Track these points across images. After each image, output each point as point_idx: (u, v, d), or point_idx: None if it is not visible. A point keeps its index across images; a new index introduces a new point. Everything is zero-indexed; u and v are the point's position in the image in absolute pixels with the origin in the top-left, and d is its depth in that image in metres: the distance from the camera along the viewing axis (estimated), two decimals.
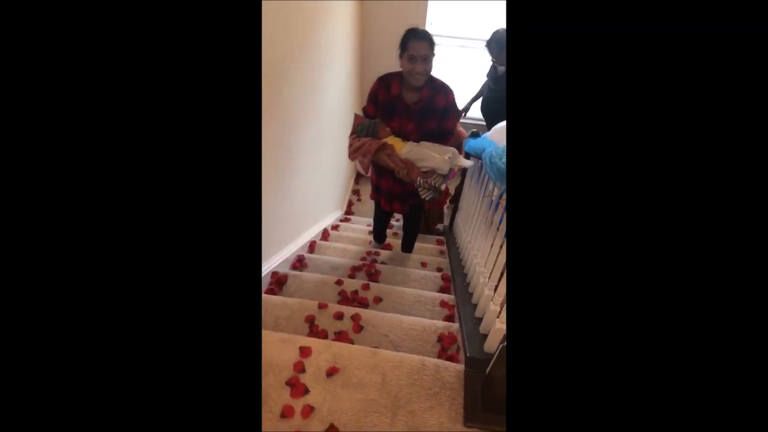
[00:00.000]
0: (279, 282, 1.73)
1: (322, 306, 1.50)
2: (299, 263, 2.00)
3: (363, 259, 2.18)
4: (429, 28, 2.95)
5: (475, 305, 1.42)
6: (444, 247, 2.48)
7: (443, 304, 1.67)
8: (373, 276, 1.96)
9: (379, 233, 2.34)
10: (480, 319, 1.33)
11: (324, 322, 1.46)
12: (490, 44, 2.12)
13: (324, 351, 1.20)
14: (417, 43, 1.39)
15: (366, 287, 1.75)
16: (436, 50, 1.46)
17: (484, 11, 3.44)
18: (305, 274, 1.81)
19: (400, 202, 1.83)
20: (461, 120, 2.09)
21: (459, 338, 1.37)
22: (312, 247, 2.27)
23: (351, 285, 1.76)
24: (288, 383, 1.13)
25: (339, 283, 1.76)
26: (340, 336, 1.40)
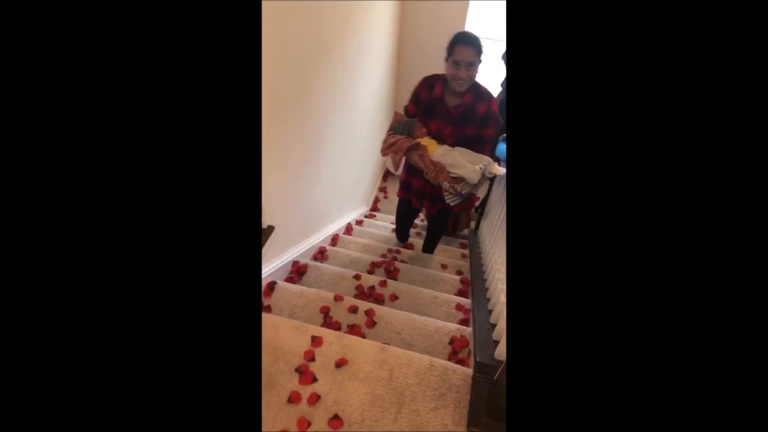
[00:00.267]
0: (299, 271, 1.76)
1: (338, 298, 1.52)
2: (320, 255, 2.03)
3: (383, 256, 2.19)
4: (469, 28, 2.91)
5: (491, 311, 1.41)
6: (467, 251, 2.46)
7: (459, 307, 1.66)
8: (392, 274, 1.96)
9: (402, 232, 2.33)
10: (494, 326, 1.31)
11: (338, 314, 1.48)
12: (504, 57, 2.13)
13: (335, 342, 1.22)
14: (463, 49, 1.38)
15: (383, 284, 1.76)
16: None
17: None
18: (325, 266, 1.84)
19: (431, 202, 1.82)
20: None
21: (471, 342, 1.36)
22: (335, 240, 2.30)
23: (369, 280, 1.77)
24: (297, 370, 1.15)
25: (357, 277, 1.78)
26: (353, 329, 1.41)
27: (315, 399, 1.10)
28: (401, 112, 1.68)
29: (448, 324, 1.46)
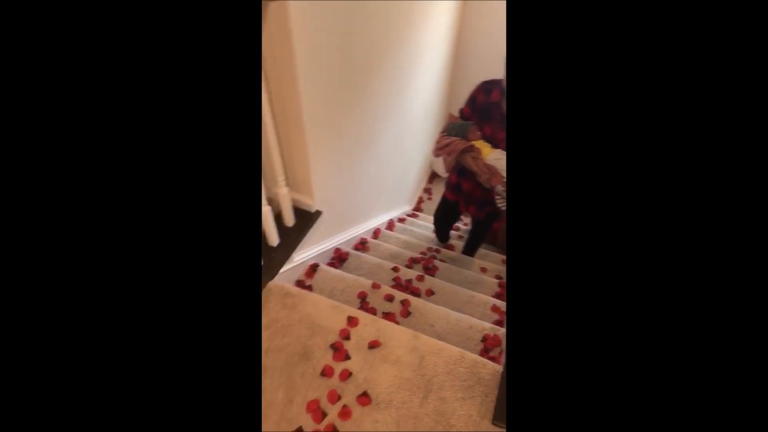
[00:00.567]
0: (340, 258, 1.83)
1: (375, 286, 1.57)
2: (361, 245, 2.09)
3: (423, 253, 2.22)
4: None
5: None
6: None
7: (495, 308, 1.66)
8: (430, 270, 1.99)
9: (443, 233, 2.33)
10: None
11: (375, 300, 1.53)
12: None
13: (370, 324, 1.27)
14: None
15: (421, 278, 1.79)
16: None
17: None
18: (365, 256, 1.90)
19: (478, 207, 1.81)
20: None
21: (504, 343, 1.36)
22: (376, 233, 2.35)
23: (407, 273, 1.81)
24: (332, 346, 1.21)
25: (395, 269, 1.82)
26: (388, 316, 1.45)
27: (346, 375, 1.15)
28: (456, 114, 1.70)
29: (483, 322, 1.47)
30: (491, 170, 1.52)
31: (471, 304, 1.69)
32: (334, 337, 1.23)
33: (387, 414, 1.08)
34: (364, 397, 1.10)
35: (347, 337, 1.23)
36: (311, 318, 1.27)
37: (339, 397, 1.11)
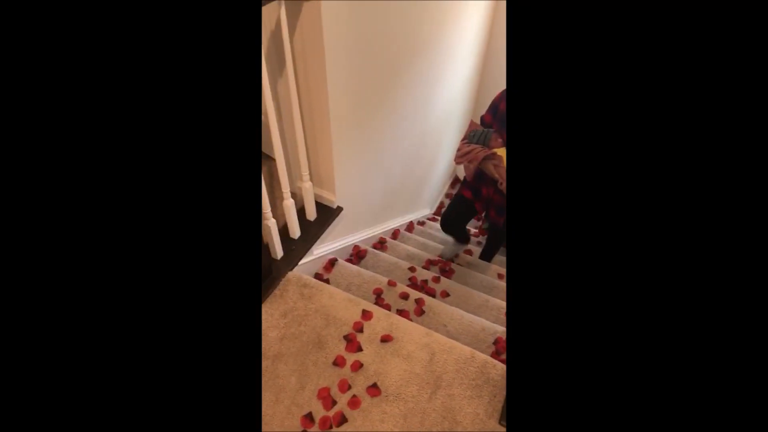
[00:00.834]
0: (359, 255, 1.87)
1: (391, 283, 1.60)
2: (380, 244, 2.12)
3: (440, 256, 2.23)
4: None
5: None
6: None
7: None
8: (447, 273, 2.00)
9: (456, 229, 2.09)
10: None
11: (390, 297, 1.55)
12: None
13: (383, 319, 1.29)
14: None
15: (437, 280, 1.80)
16: None
17: None
18: (383, 254, 1.92)
19: (498, 212, 1.79)
20: None
21: None
22: (395, 234, 2.38)
23: (423, 274, 1.83)
24: (345, 337, 1.24)
25: (412, 269, 1.84)
26: (402, 313, 1.48)
27: (358, 366, 1.18)
28: (477, 121, 1.71)
29: (496, 326, 1.48)
30: None
31: (485, 307, 1.69)
32: (347, 329, 1.26)
33: (395, 406, 1.10)
34: (374, 389, 1.13)
35: (360, 330, 1.26)
36: (327, 309, 1.31)
37: (349, 387, 1.14)
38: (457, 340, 1.42)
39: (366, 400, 1.12)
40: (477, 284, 1.96)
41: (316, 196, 1.53)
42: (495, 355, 1.37)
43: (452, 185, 4.24)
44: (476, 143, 1.58)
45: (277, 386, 1.14)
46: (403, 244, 2.23)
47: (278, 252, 1.40)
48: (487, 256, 2.30)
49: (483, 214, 1.88)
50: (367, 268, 1.81)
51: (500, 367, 1.18)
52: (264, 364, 1.18)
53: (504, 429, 1.06)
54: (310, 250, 1.52)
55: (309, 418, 1.09)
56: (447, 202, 3.96)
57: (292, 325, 1.27)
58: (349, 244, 1.86)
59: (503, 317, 1.65)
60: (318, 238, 1.53)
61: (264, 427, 1.08)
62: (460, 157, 1.61)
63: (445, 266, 2.03)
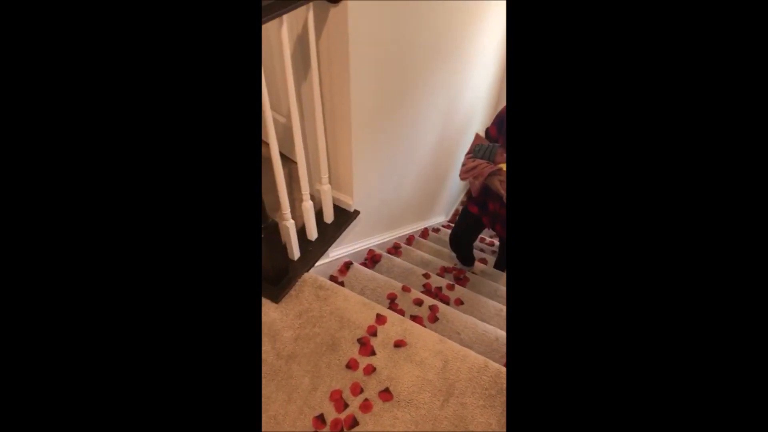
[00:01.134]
0: (373, 259, 1.87)
1: (405, 289, 1.59)
2: (394, 249, 2.12)
3: (456, 264, 2.22)
4: None
5: None
6: None
7: None
8: (461, 281, 1.99)
9: (464, 250, 2.10)
10: None
11: (404, 303, 1.55)
12: None
13: (397, 324, 1.29)
14: None
15: (451, 287, 1.79)
16: None
17: None
18: (397, 260, 1.93)
19: (504, 227, 1.78)
20: None
21: None
22: (410, 240, 2.38)
23: (437, 281, 1.82)
24: (359, 341, 1.24)
25: (426, 276, 1.84)
26: (415, 319, 1.47)
27: (370, 370, 1.18)
28: (482, 134, 1.66)
29: None
30: None
31: (499, 317, 1.68)
32: (361, 332, 1.26)
33: (407, 412, 1.10)
34: (386, 393, 1.13)
35: (374, 334, 1.26)
36: (341, 312, 1.31)
37: (362, 390, 1.14)
38: (470, 348, 1.41)
39: (378, 405, 1.11)
40: (492, 293, 1.95)
41: (334, 199, 1.54)
42: None
43: (467, 194, 4.22)
44: (481, 158, 1.54)
45: (290, 386, 1.15)
46: (417, 250, 2.23)
47: (295, 253, 1.41)
48: (501, 265, 2.28)
49: (491, 228, 1.84)
50: (381, 273, 1.81)
51: None
52: (278, 363, 1.19)
53: None
54: (326, 253, 1.53)
55: (321, 419, 1.09)
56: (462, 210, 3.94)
57: (307, 326, 1.27)
58: (364, 247, 1.87)
59: None
60: (335, 240, 1.54)
61: (276, 427, 1.08)
62: (465, 172, 1.56)
63: (459, 274, 2.02)
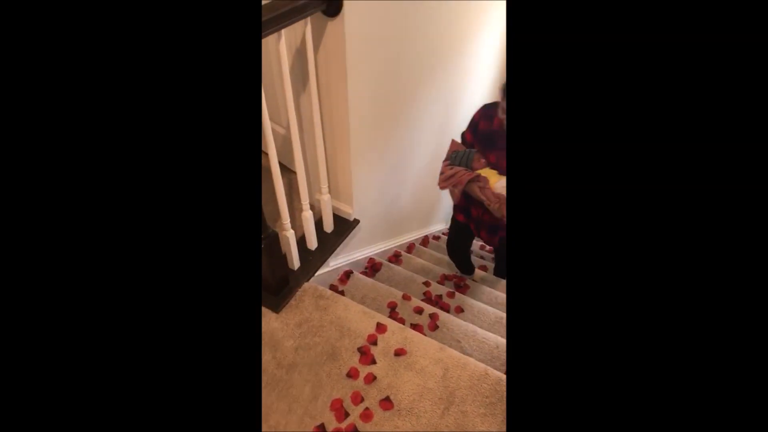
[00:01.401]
0: (374, 267, 1.88)
1: (405, 297, 1.60)
2: (395, 258, 2.12)
3: (456, 271, 2.23)
4: None
5: None
6: None
7: None
8: (462, 289, 1.99)
9: (460, 258, 2.10)
10: None
11: (404, 311, 1.56)
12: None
13: (397, 333, 1.30)
14: None
15: (451, 295, 1.80)
16: None
17: None
18: (398, 268, 1.93)
19: (489, 232, 1.71)
20: None
21: None
22: (411, 248, 2.38)
23: (437, 289, 1.83)
24: (359, 350, 1.24)
25: (427, 284, 1.84)
26: (416, 328, 1.47)
27: (371, 379, 1.18)
28: (458, 141, 1.63)
29: None
30: (501, 199, 1.45)
31: (500, 324, 1.68)
32: (361, 341, 1.27)
33: (407, 421, 1.10)
34: (387, 402, 1.13)
35: (374, 343, 1.27)
36: (341, 321, 1.32)
37: (362, 399, 1.14)
38: (470, 356, 1.41)
39: (378, 414, 1.11)
40: (491, 300, 1.95)
41: (333, 208, 1.55)
42: None
43: None
44: (458, 165, 1.52)
45: (291, 396, 1.15)
46: (417, 258, 2.23)
47: (295, 263, 1.42)
48: (500, 271, 2.28)
49: (477, 235, 1.78)
50: (381, 281, 1.82)
51: None
52: (278, 373, 1.19)
53: None
54: (326, 262, 1.54)
55: (321, 429, 1.09)
56: None
57: (307, 335, 1.28)
58: (364, 256, 1.88)
59: None
60: (334, 249, 1.55)
61: None
62: (443, 181, 1.54)
63: (459, 282, 2.02)
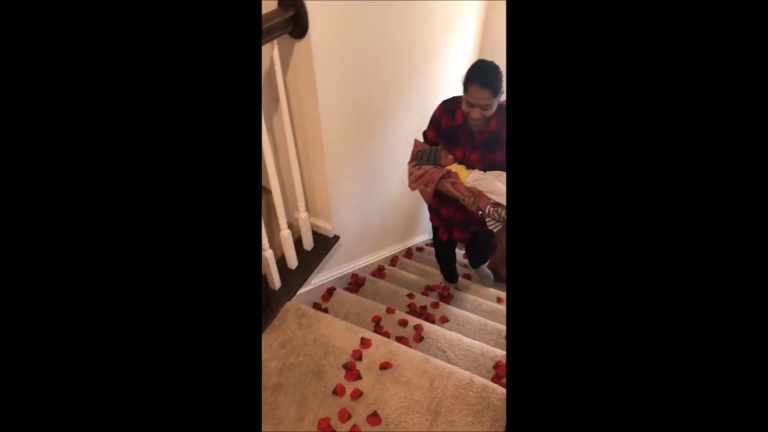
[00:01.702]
0: (357, 283, 1.87)
1: (390, 311, 1.60)
2: (378, 272, 2.12)
3: (441, 282, 2.23)
4: None
5: None
6: None
7: None
8: (446, 299, 2.00)
9: (449, 272, 2.14)
10: None
11: (389, 325, 1.55)
12: None
13: (382, 346, 1.29)
14: (478, 91, 1.26)
15: (435, 305, 1.80)
16: None
17: None
18: (381, 282, 1.93)
19: (461, 229, 1.67)
20: None
21: None
22: (394, 261, 2.39)
23: (421, 300, 1.83)
24: (345, 366, 1.24)
25: (411, 296, 1.84)
26: (401, 340, 1.47)
27: (357, 395, 1.17)
28: (421, 139, 1.60)
29: (495, 349, 1.47)
30: (474, 192, 1.43)
31: (484, 331, 1.69)
32: (346, 357, 1.26)
33: None
34: (374, 417, 1.12)
35: (359, 358, 1.26)
36: (325, 338, 1.31)
37: (349, 416, 1.13)
38: (456, 365, 1.41)
39: (366, 429, 1.11)
40: (475, 308, 1.96)
41: (312, 225, 1.56)
42: (496, 379, 1.36)
43: None
44: (426, 163, 1.50)
45: (277, 418, 1.13)
46: (401, 271, 2.24)
47: (276, 283, 1.41)
48: (476, 260, 2.18)
49: (447, 237, 1.74)
50: (365, 296, 1.81)
51: (500, 391, 1.17)
52: (263, 395, 1.17)
53: None
54: (308, 280, 1.53)
55: None
56: None
57: (291, 355, 1.27)
58: (347, 272, 1.87)
59: (503, 341, 1.64)
60: (315, 267, 1.55)
61: None
62: (414, 181, 1.51)
63: (443, 291, 2.03)
